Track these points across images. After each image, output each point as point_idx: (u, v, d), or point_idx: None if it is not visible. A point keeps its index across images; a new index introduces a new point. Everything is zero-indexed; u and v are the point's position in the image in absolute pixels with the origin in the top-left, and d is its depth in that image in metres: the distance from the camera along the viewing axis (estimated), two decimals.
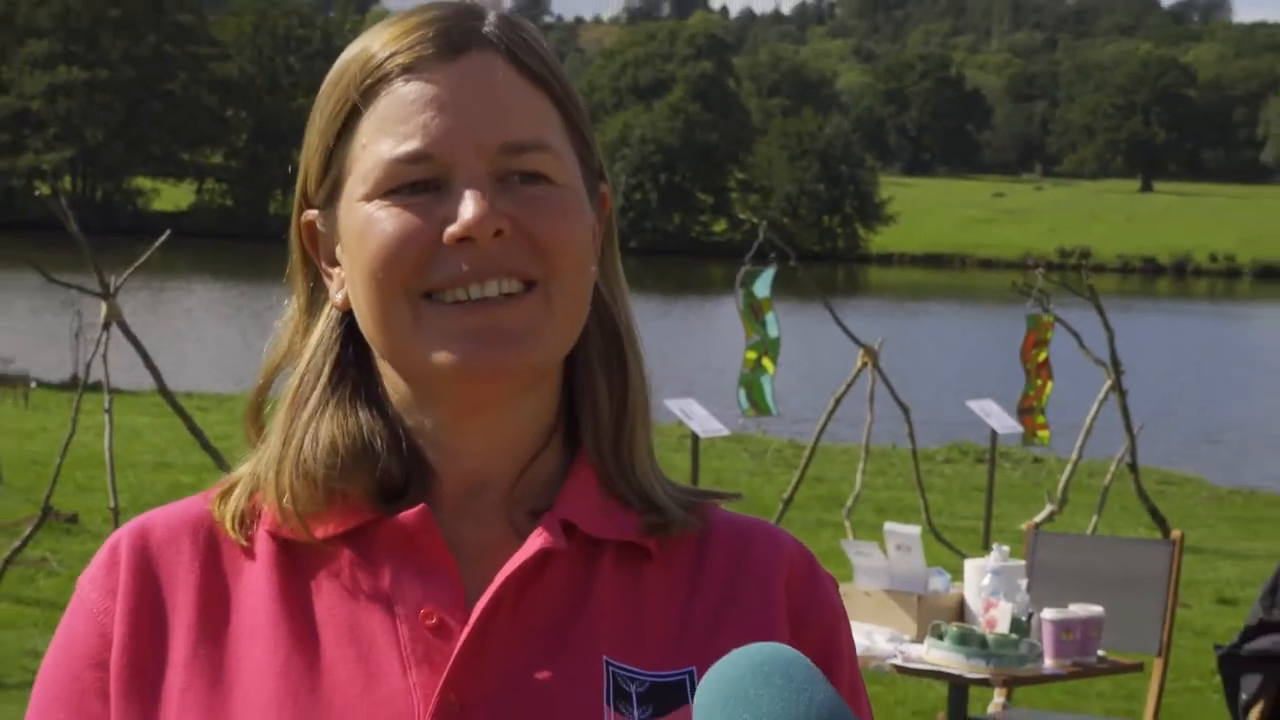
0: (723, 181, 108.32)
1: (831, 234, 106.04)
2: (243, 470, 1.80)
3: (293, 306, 1.82)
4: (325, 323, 1.79)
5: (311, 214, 1.79)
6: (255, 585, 1.74)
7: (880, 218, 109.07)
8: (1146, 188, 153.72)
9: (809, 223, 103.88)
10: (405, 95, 1.71)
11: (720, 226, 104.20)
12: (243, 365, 34.20)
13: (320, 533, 1.73)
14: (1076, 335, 15.22)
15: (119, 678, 1.73)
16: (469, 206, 1.68)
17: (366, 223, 1.70)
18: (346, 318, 1.77)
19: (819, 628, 1.79)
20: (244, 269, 68.13)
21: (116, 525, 11.52)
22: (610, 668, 1.70)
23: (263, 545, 1.76)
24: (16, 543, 12.60)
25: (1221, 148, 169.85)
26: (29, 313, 37.30)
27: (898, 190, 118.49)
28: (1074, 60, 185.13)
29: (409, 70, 1.71)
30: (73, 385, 21.51)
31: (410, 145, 1.69)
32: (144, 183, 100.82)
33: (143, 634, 1.74)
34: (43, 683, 1.82)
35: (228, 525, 1.76)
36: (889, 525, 8.60)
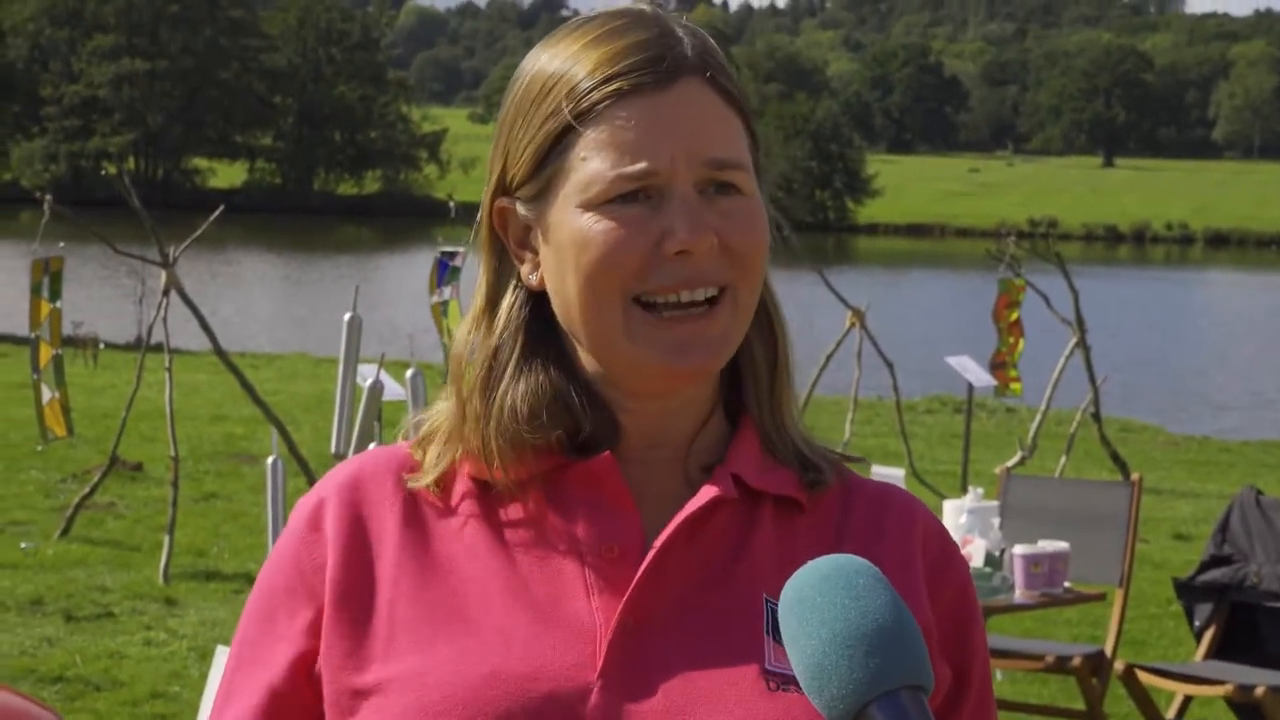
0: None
1: (822, 207, 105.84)
2: (438, 421, 1.83)
3: (481, 279, 1.86)
4: (512, 297, 1.83)
5: (505, 201, 1.82)
6: (454, 519, 1.80)
7: (867, 192, 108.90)
8: (1108, 163, 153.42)
9: (802, 197, 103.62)
10: (626, 118, 1.74)
11: None
12: (289, 327, 34.23)
13: (515, 475, 1.78)
14: (1045, 297, 15.21)
15: (333, 601, 1.78)
16: (688, 224, 1.73)
17: (587, 231, 1.74)
18: (533, 296, 1.82)
19: (954, 582, 1.84)
20: (290, 240, 68.13)
21: (176, 472, 11.59)
22: (769, 604, 1.75)
23: (461, 485, 1.81)
24: (86, 489, 12.63)
25: (1176, 127, 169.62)
26: (97, 281, 37.29)
27: (882, 167, 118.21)
28: (1042, 48, 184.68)
29: (627, 94, 1.74)
30: (137, 346, 21.52)
31: (636, 166, 1.73)
32: (200, 163, 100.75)
33: (353, 560, 1.79)
34: (252, 606, 1.85)
35: (428, 468, 1.81)
36: (876, 468, 8.60)
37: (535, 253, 1.80)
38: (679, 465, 1.81)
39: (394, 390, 7.96)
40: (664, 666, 1.71)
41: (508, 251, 1.83)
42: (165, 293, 11.50)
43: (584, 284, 1.74)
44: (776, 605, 1.71)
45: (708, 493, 1.77)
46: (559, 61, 1.78)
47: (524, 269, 1.82)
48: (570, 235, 1.75)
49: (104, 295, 34.46)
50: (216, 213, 11.93)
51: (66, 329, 15.24)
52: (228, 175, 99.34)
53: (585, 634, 1.73)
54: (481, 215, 1.85)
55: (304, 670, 1.79)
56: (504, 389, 1.79)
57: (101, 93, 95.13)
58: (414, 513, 1.80)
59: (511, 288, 1.83)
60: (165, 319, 11.56)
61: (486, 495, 1.80)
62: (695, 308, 1.74)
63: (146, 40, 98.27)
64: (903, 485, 7.15)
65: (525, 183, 1.79)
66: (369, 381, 7.16)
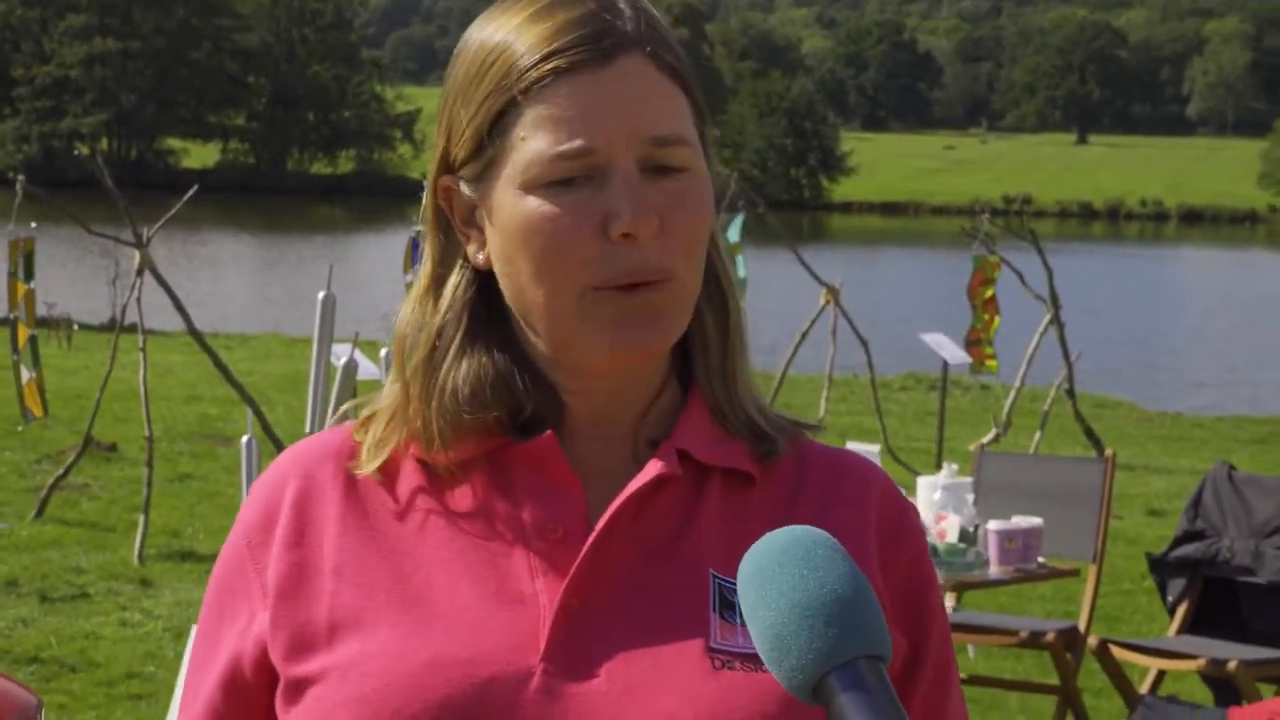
0: None
1: (797, 184, 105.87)
2: (381, 403, 1.82)
3: (427, 257, 1.83)
4: (458, 276, 1.80)
5: (449, 180, 1.79)
6: (396, 502, 1.78)
7: (841, 169, 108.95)
8: (1082, 140, 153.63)
9: (777, 174, 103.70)
10: (565, 97, 1.71)
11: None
12: (263, 307, 34.16)
13: (457, 456, 1.76)
14: (1019, 274, 15.23)
15: (276, 597, 1.77)
16: (632, 205, 1.70)
17: (532, 217, 1.72)
18: (479, 275, 1.79)
19: (907, 552, 1.82)
20: (264, 221, 67.93)
21: (151, 452, 11.57)
22: (716, 579, 1.73)
23: (405, 467, 1.79)
24: (61, 470, 12.62)
25: (1150, 103, 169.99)
26: (71, 262, 37.15)
27: (857, 144, 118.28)
28: (1017, 25, 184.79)
29: (565, 72, 1.71)
30: (110, 327, 21.47)
31: (573, 144, 1.70)
32: (173, 143, 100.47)
33: (296, 553, 1.78)
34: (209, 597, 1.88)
35: (367, 450, 1.79)
36: (851, 445, 8.62)
37: (481, 231, 1.78)
38: (627, 441, 1.79)
39: (368, 369, 7.95)
40: (608, 647, 1.70)
41: (453, 229, 1.81)
42: (139, 273, 11.48)
43: (535, 271, 1.72)
44: (723, 581, 1.72)
45: (652, 469, 1.75)
46: (500, 35, 1.75)
47: (470, 248, 1.79)
48: (515, 220, 1.73)
49: (77, 276, 34.35)
50: (190, 193, 11.91)
51: (40, 310, 15.21)
52: (201, 155, 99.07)
53: (529, 617, 1.70)
54: (426, 192, 1.82)
55: (249, 667, 1.79)
56: (446, 370, 1.77)
57: (73, 73, 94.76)
58: (356, 497, 1.79)
59: (458, 266, 1.80)
60: (139, 299, 11.54)
61: (430, 478, 1.78)
62: (640, 286, 1.71)
63: (118, 20, 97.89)
64: (877, 461, 7.18)
65: (467, 162, 1.77)
66: (343, 360, 7.16)
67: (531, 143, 1.72)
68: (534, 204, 1.72)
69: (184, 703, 1.87)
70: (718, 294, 1.82)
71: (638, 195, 1.71)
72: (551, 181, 1.71)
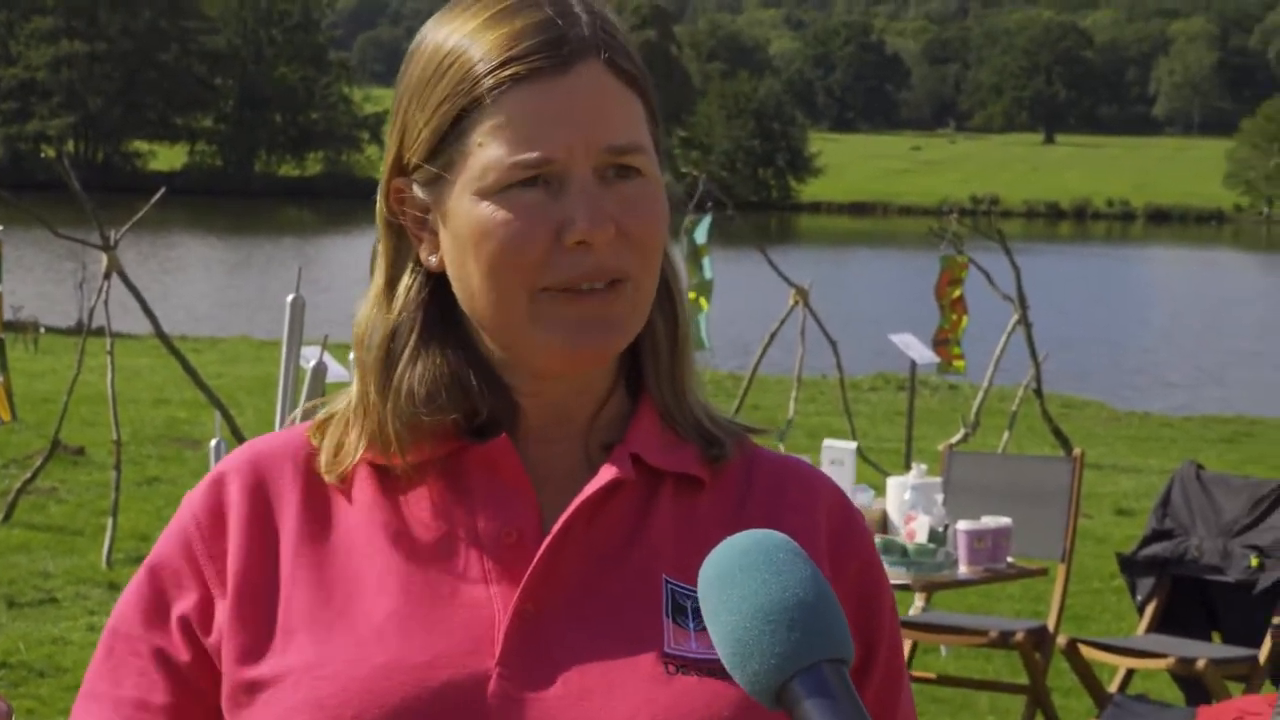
0: (667, 139, 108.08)
1: (766, 185, 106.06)
2: (338, 405, 1.81)
3: (381, 258, 1.82)
4: (410, 278, 1.79)
5: (401, 182, 1.79)
6: (351, 505, 1.78)
7: (809, 170, 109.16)
8: (1049, 140, 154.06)
9: (745, 175, 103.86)
10: (522, 105, 1.70)
11: (665, 180, 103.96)
12: (231, 310, 34.09)
13: (413, 459, 1.76)
14: (987, 274, 15.27)
15: (234, 595, 1.75)
16: (588, 214, 1.70)
17: (486, 222, 1.71)
18: (433, 277, 1.79)
19: (859, 556, 1.82)
20: (232, 223, 67.81)
21: (119, 456, 11.54)
22: (669, 584, 1.74)
23: (358, 470, 1.79)
24: (28, 474, 12.57)
25: (1116, 103, 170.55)
26: (37, 265, 37.05)
27: (825, 145, 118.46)
28: (983, 26, 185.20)
29: (523, 80, 1.71)
30: (77, 330, 21.40)
31: (530, 153, 1.70)
32: (141, 145, 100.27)
33: (255, 552, 1.76)
34: (126, 596, 1.82)
35: (324, 453, 1.79)
36: (828, 441, 8.62)
37: (434, 234, 1.77)
38: (579, 444, 1.80)
39: (337, 372, 7.93)
40: (563, 652, 1.70)
41: (406, 231, 1.80)
42: (106, 276, 11.44)
43: (486, 274, 1.72)
44: (676, 586, 1.73)
45: (606, 474, 1.75)
46: (456, 38, 1.74)
47: (423, 250, 1.78)
48: (469, 224, 1.72)
49: (44, 279, 34.26)
50: (157, 195, 11.87)
51: (6, 313, 15.15)
52: (168, 158, 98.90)
53: (484, 621, 1.70)
54: (379, 194, 1.81)
55: (213, 646, 1.76)
56: (401, 371, 1.76)
57: (40, 75, 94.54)
58: (313, 499, 1.78)
59: (410, 268, 1.79)
60: (106, 302, 11.50)
61: (385, 481, 1.78)
62: (595, 293, 1.72)
63: (85, 22, 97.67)
64: (853, 459, 7.15)
65: (421, 166, 1.76)
66: (312, 363, 7.14)
67: (488, 150, 1.71)
68: (488, 208, 1.71)
69: (111, 679, 1.80)
70: (668, 299, 1.82)
71: (594, 204, 1.71)
72: (507, 186, 1.71)
